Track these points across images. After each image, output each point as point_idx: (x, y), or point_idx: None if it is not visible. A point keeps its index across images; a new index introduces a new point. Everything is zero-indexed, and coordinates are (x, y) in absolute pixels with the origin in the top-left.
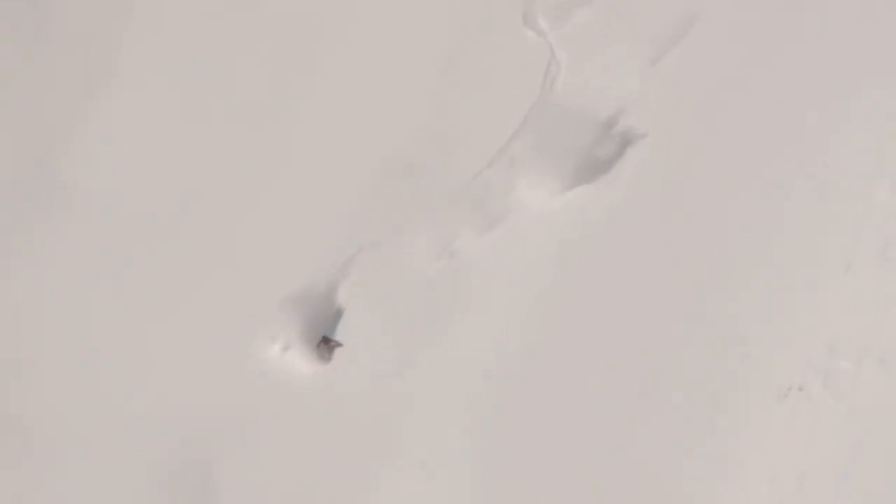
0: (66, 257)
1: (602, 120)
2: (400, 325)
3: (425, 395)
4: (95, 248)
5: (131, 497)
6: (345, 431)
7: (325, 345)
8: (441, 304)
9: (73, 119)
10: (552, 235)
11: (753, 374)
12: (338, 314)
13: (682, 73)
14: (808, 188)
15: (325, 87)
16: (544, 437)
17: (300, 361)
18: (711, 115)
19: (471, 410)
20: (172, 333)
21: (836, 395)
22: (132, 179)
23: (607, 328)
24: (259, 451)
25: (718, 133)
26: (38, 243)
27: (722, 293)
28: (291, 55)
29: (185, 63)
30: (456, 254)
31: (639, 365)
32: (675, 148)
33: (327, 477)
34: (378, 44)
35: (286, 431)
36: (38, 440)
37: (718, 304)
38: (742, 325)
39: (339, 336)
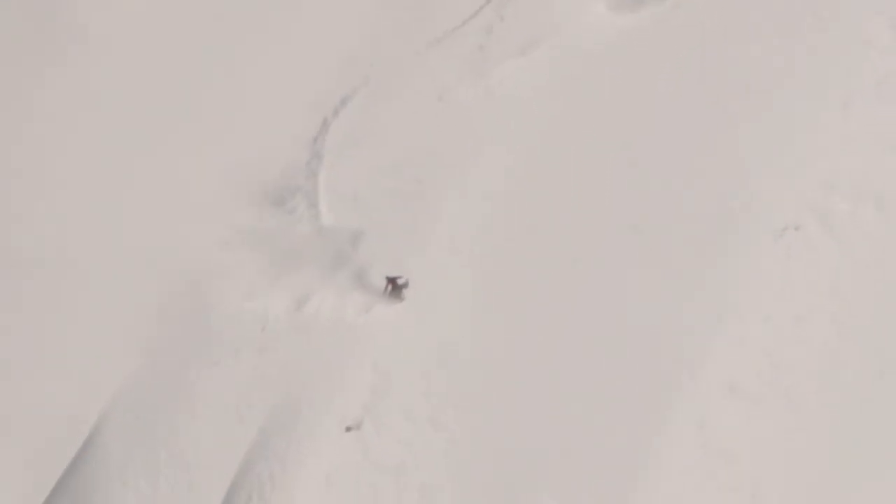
0: (76, 91)
1: None
2: (405, 151)
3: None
4: (104, 83)
5: (126, 321)
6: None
7: (393, 286)
8: (454, 131)
9: None
10: (572, 63)
11: (751, 212)
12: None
13: None
14: (808, 27)
15: None
16: (546, 260)
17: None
18: None
19: (481, 229)
20: (171, 170)
21: (832, 235)
22: (143, 20)
23: (611, 160)
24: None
25: None
26: (52, 77)
27: (722, 133)
28: None
29: None
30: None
31: (639, 199)
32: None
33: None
34: None
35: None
36: (38, 272)
37: (719, 143)
38: (740, 164)
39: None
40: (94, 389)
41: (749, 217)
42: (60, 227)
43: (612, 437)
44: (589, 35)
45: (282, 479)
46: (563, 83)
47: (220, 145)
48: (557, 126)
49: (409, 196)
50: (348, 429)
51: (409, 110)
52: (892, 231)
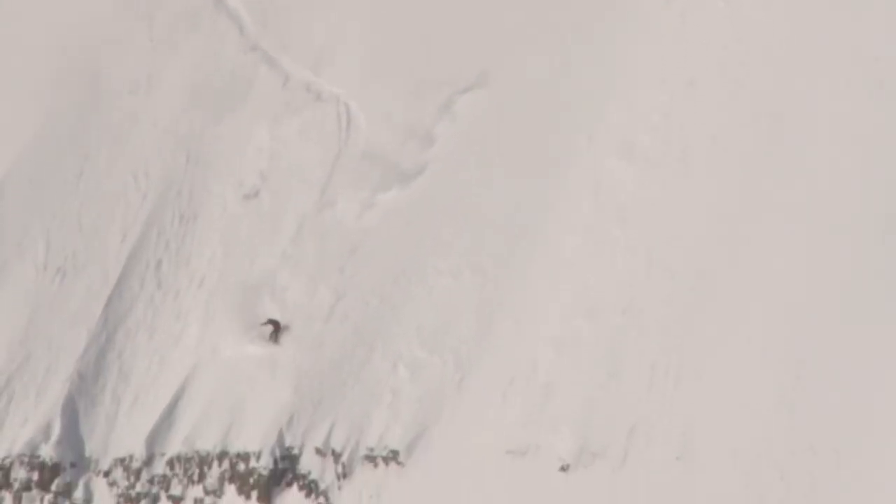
0: None
1: None
2: None
3: None
4: None
5: (22, 91)
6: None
7: (275, 328)
8: None
9: None
10: None
11: None
12: None
13: None
14: None
15: None
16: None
17: None
18: None
19: None
20: None
21: None
22: None
23: None
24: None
25: None
26: None
27: None
28: None
29: None
30: None
31: None
32: None
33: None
34: None
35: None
36: None
37: None
38: None
39: None
40: None
41: None
42: None
43: (513, 200)
44: None
45: (178, 248)
46: None
47: None
48: None
49: None
50: (246, 196)
51: None
52: None
